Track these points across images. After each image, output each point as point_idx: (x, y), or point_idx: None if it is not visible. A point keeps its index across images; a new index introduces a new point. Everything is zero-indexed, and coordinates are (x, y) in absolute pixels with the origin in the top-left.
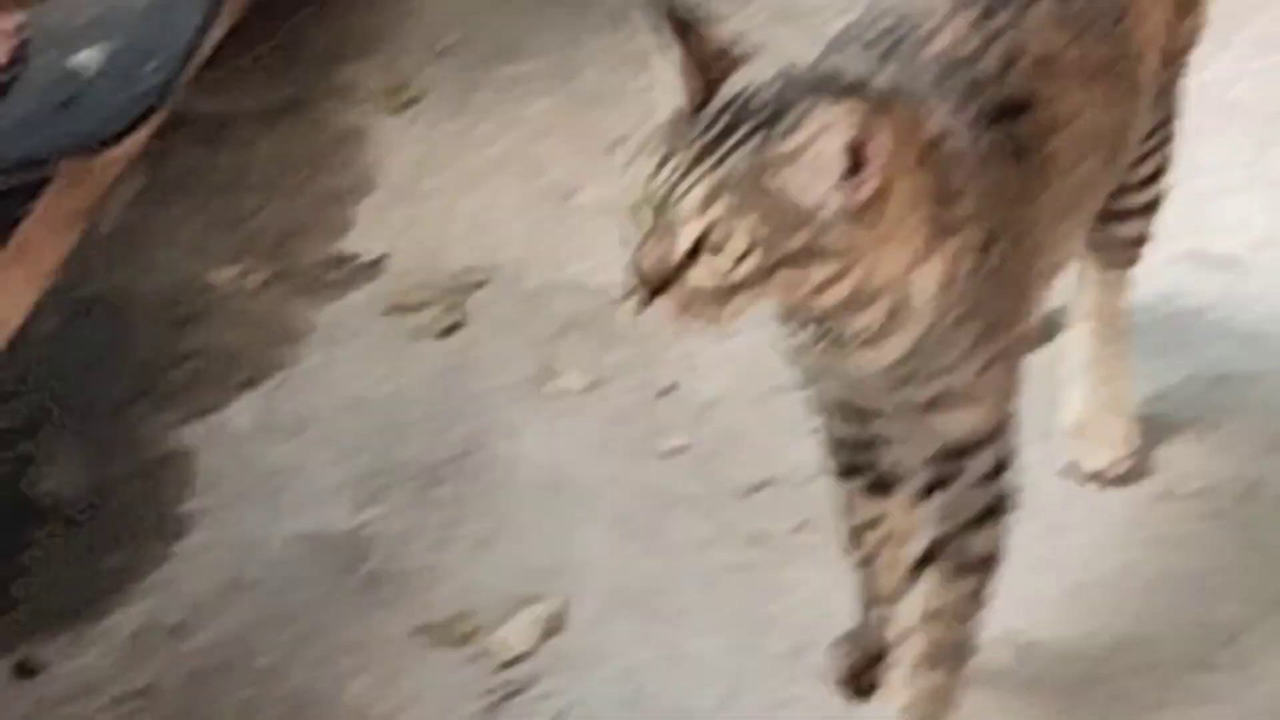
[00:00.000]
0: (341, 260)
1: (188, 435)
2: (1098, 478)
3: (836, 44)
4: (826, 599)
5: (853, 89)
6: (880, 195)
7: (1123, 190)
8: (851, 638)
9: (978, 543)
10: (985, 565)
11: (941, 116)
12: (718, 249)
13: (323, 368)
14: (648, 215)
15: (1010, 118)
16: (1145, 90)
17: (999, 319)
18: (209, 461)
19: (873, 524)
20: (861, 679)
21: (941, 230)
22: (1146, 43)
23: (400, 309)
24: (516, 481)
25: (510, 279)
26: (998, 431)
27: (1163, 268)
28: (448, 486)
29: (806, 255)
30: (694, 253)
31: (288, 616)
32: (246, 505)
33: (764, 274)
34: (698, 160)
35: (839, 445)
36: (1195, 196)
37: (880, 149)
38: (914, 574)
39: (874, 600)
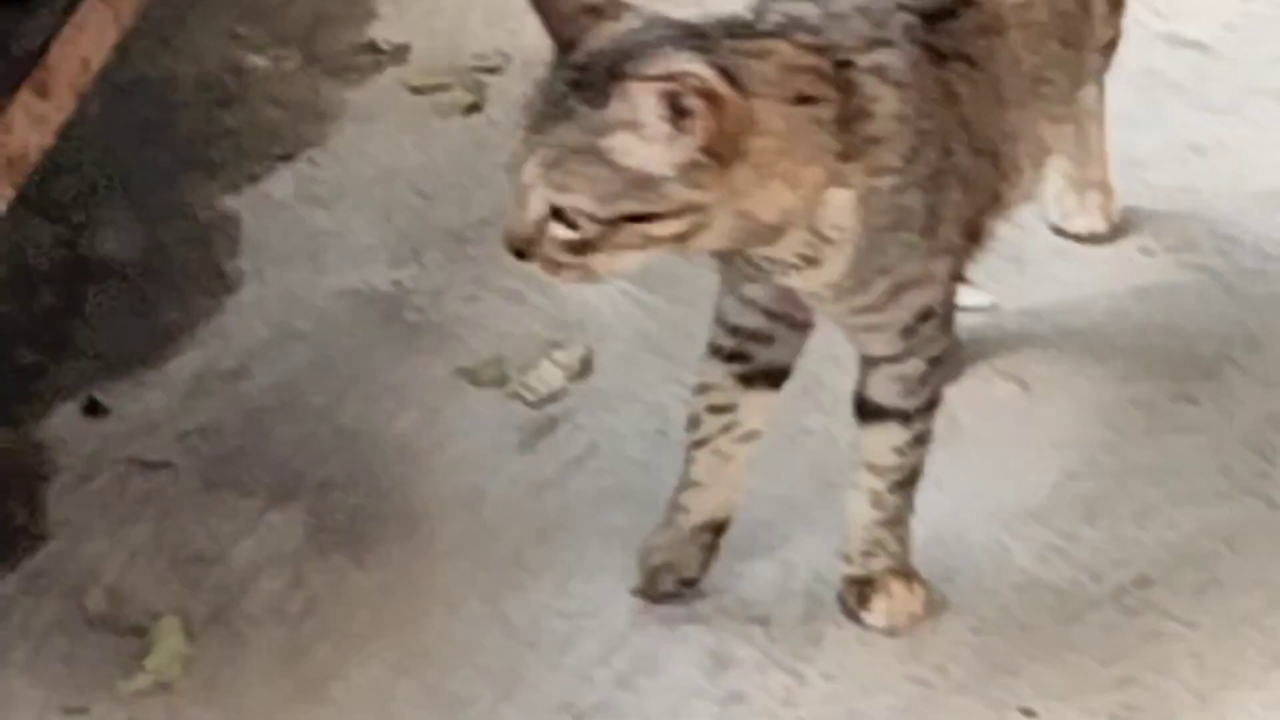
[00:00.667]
0: (368, 47)
1: (233, 202)
2: (1079, 239)
3: None
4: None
5: (680, 43)
6: (729, 145)
7: None
8: (654, 536)
9: (924, 393)
10: (930, 406)
11: (847, 42)
12: (560, 213)
13: (355, 142)
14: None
15: (940, 21)
16: None
17: (942, 214)
18: (254, 225)
19: (723, 409)
20: (660, 584)
21: (844, 154)
22: None
23: (424, 90)
24: None
25: (524, 66)
26: (947, 297)
27: (1139, 49)
28: (477, 246)
29: (649, 214)
30: (554, 214)
31: (335, 362)
32: (291, 264)
33: (610, 234)
34: (540, 124)
35: (733, 330)
36: None
37: (700, 106)
38: (862, 423)
39: (687, 484)
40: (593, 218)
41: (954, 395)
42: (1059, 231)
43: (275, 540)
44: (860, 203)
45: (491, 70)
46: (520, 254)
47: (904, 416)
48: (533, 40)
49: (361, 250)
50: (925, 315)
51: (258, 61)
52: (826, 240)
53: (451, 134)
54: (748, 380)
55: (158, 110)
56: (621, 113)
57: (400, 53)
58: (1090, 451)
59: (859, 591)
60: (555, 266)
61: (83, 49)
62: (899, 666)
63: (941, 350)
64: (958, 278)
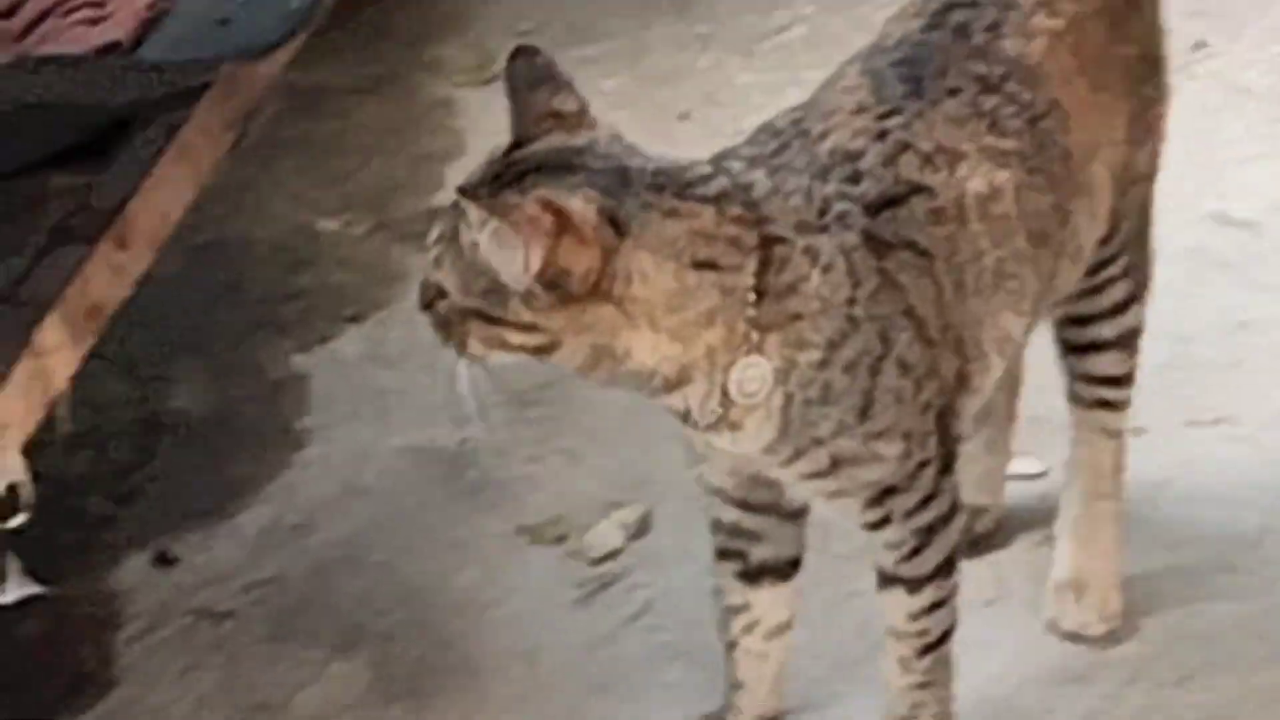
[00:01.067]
0: (435, 213)
1: (303, 361)
2: (1072, 638)
3: (758, 135)
4: None
5: (589, 176)
6: (580, 284)
7: (1087, 320)
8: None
9: (925, 562)
10: (937, 575)
11: (784, 219)
12: (439, 286)
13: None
14: None
15: (884, 210)
16: (1088, 191)
17: (879, 400)
18: (322, 384)
19: (738, 610)
20: None
21: (760, 324)
22: (1083, 147)
23: None
24: (601, 403)
25: None
26: (916, 475)
27: (1189, 226)
28: (540, 408)
29: (491, 316)
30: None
31: (398, 518)
32: (357, 422)
33: (461, 318)
34: (453, 206)
35: (717, 527)
36: (1216, 165)
37: (547, 241)
38: (878, 589)
39: (733, 684)
40: (451, 301)
41: (1003, 558)
42: None
43: (338, 690)
44: (780, 374)
45: None
46: (426, 306)
47: (909, 584)
48: None
49: (426, 410)
50: (887, 490)
51: (329, 225)
52: (737, 404)
53: None
54: (751, 578)
55: (233, 271)
56: (491, 218)
57: None
58: (1134, 616)
59: None
60: (441, 331)
61: (161, 204)
62: None
63: (931, 520)
64: (944, 454)
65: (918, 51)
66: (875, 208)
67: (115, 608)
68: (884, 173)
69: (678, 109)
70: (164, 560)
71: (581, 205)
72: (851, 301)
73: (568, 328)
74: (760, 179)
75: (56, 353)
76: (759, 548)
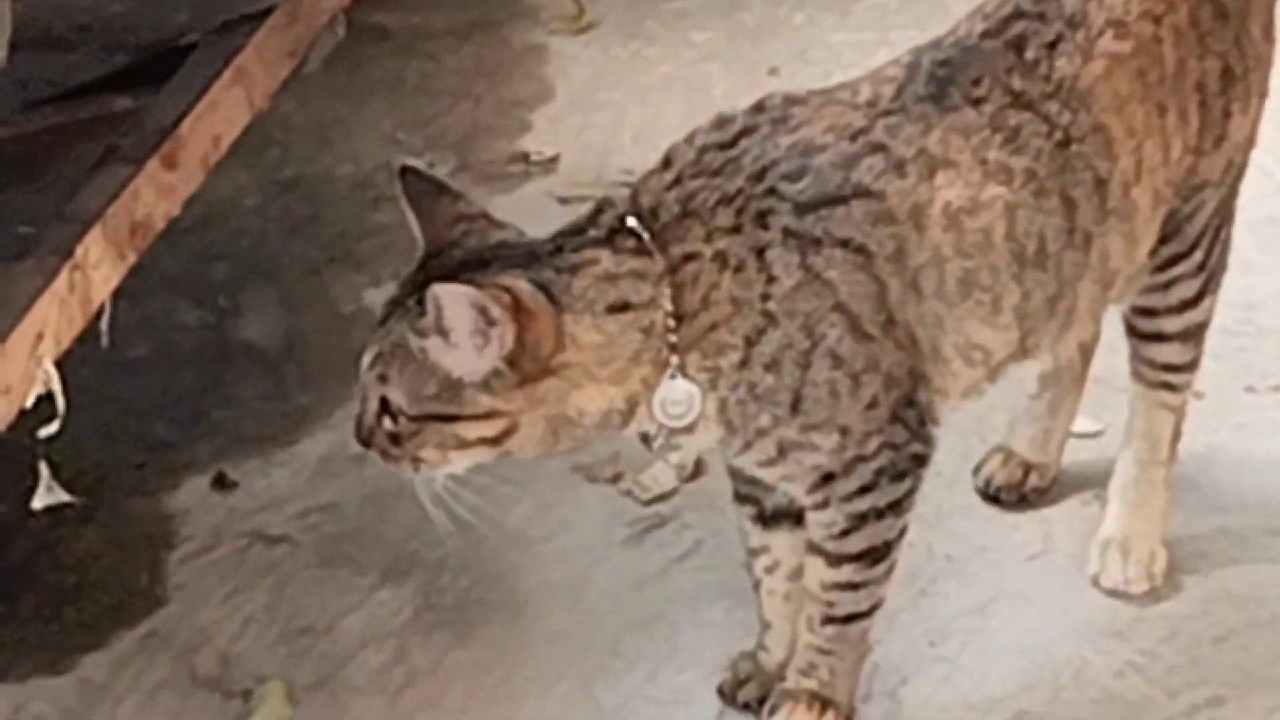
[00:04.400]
0: (519, 157)
1: (374, 297)
2: (1113, 594)
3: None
4: None
5: (509, 259)
6: (533, 360)
7: (1153, 313)
8: (745, 656)
9: (851, 543)
10: (861, 558)
11: (692, 234)
12: (386, 405)
13: None
14: None
15: (817, 209)
16: (1126, 217)
17: (808, 394)
18: None
19: (758, 551)
20: (740, 693)
21: (678, 348)
22: (1126, 173)
23: (570, 200)
24: None
25: None
26: (853, 466)
27: (1263, 198)
28: None
29: (454, 415)
30: (381, 407)
31: None
32: None
33: (414, 430)
34: (383, 320)
35: (733, 473)
36: None
37: (505, 319)
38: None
39: (762, 624)
40: (403, 413)
41: (1052, 514)
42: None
43: (384, 616)
44: (708, 384)
45: None
46: (365, 443)
47: (830, 558)
48: None
49: None
50: (827, 476)
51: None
52: (670, 421)
53: None
54: (766, 522)
55: (312, 206)
56: (433, 317)
57: (550, 164)
58: (1177, 576)
59: (779, 698)
60: (389, 457)
61: (214, 127)
62: None
63: (865, 510)
64: (895, 456)
65: (963, 56)
66: (807, 207)
67: (171, 528)
68: (832, 174)
69: (768, 64)
70: (222, 484)
71: (518, 284)
72: (765, 297)
73: (525, 405)
74: (670, 201)
75: (98, 267)
76: (771, 496)
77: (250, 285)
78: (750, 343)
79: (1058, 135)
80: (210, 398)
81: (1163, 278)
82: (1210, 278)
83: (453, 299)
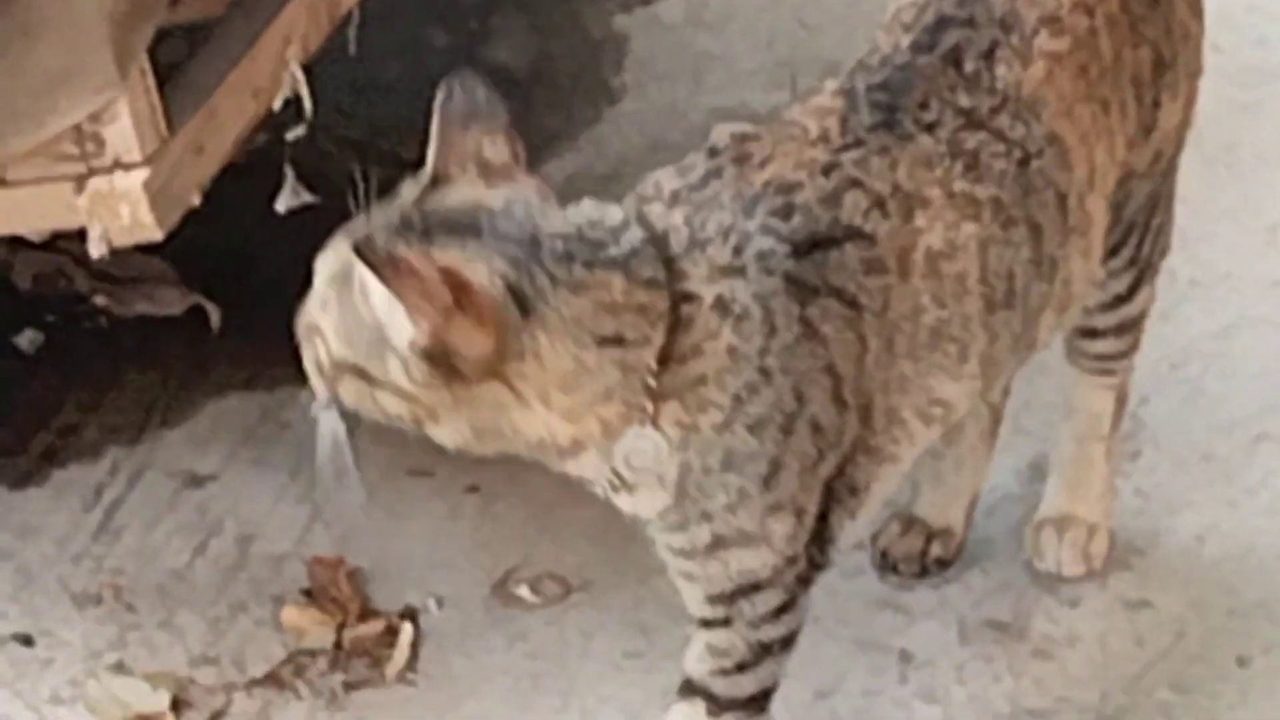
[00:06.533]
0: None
1: (624, 21)
2: (1050, 575)
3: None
4: None
5: (497, 244)
6: (470, 364)
7: (1086, 309)
8: None
9: (744, 683)
10: (748, 706)
11: (696, 272)
12: (319, 329)
13: None
14: None
15: (813, 253)
16: (1083, 230)
17: (786, 465)
18: (641, 45)
19: None
20: None
21: (657, 394)
22: (1082, 182)
23: None
24: None
25: None
26: (788, 569)
27: None
28: None
29: (369, 376)
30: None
31: None
32: (672, 82)
33: (340, 374)
34: (348, 238)
35: None
36: None
37: (438, 317)
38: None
39: None
40: (329, 350)
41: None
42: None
43: None
44: (678, 442)
45: None
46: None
47: (716, 702)
48: None
49: (741, 74)
50: (753, 586)
51: None
52: (635, 471)
53: None
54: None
55: None
56: (389, 274)
57: None
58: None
59: None
60: (310, 369)
61: None
62: (1208, 489)
63: (775, 638)
64: (817, 548)
65: (900, 76)
66: (804, 248)
67: None
68: (821, 211)
69: None
70: None
71: (487, 280)
72: (764, 352)
73: (450, 405)
74: (678, 225)
75: None
76: None
77: (500, 9)
78: (739, 401)
79: (1016, 153)
80: None
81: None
82: (1143, 270)
83: (409, 270)
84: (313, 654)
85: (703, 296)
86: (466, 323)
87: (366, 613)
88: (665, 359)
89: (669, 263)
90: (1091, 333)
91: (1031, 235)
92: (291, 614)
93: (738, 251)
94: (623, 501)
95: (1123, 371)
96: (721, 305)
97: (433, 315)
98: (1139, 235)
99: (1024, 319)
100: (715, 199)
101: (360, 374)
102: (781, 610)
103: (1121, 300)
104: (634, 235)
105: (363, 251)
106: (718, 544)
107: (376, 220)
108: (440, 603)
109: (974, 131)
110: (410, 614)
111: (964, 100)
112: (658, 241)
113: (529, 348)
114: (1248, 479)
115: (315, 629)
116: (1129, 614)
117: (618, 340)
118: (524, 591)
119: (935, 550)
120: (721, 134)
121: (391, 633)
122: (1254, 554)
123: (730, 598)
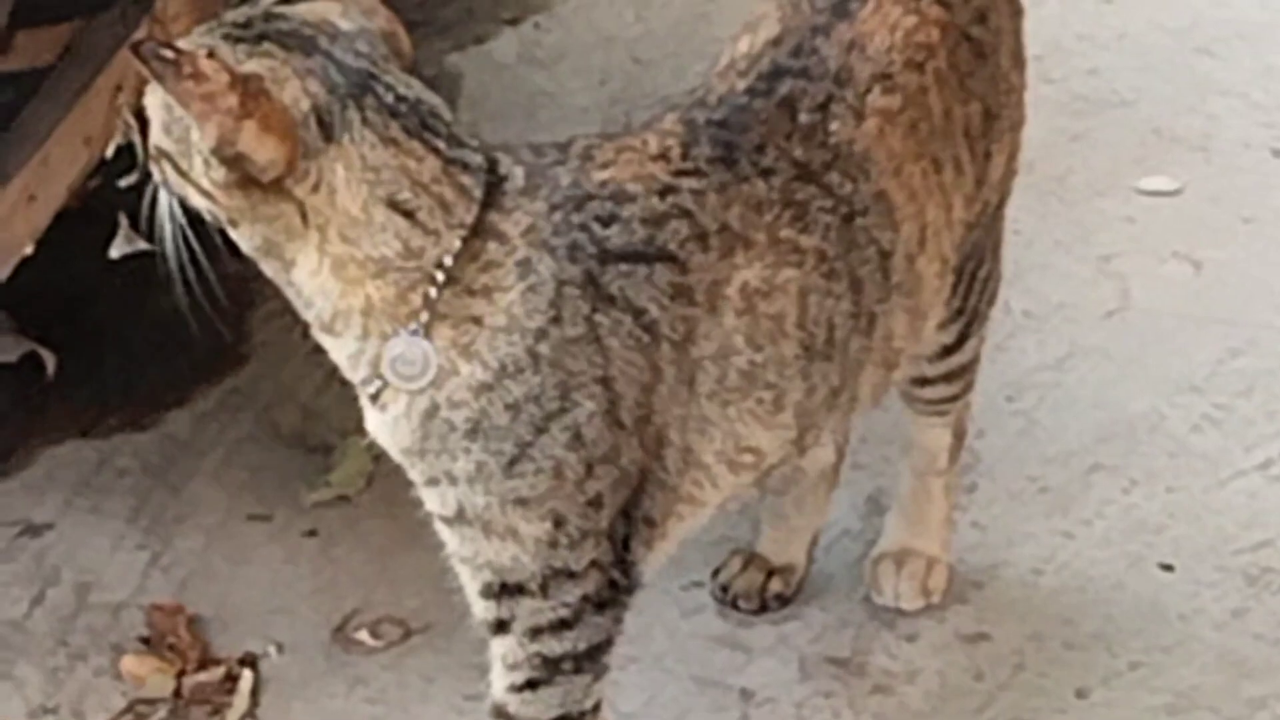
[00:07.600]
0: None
1: (457, 60)
2: (889, 610)
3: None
4: None
5: (321, 59)
6: (257, 168)
7: (915, 358)
8: None
9: (540, 705)
10: None
11: (521, 221)
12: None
13: (579, 9)
14: None
15: (620, 262)
16: (910, 291)
17: (532, 457)
18: (474, 83)
19: None
20: None
21: (434, 308)
22: (910, 241)
23: None
24: None
25: None
26: (554, 585)
27: None
28: None
29: (179, 167)
30: None
31: None
32: (505, 120)
33: (160, 158)
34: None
35: None
36: None
37: (215, 126)
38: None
39: None
40: (153, 132)
41: (1129, 269)
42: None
43: None
44: (445, 368)
45: None
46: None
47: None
48: None
49: (574, 111)
50: (517, 587)
51: None
52: (387, 382)
53: (672, 5)
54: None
55: None
56: (168, 76)
57: None
58: (1254, 330)
59: None
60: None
61: None
62: (1044, 520)
63: (561, 654)
64: (620, 572)
65: (737, 117)
66: (612, 256)
67: (255, 286)
68: (641, 229)
69: None
70: None
71: (290, 95)
72: (541, 335)
73: (245, 210)
74: (518, 176)
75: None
76: None
77: None
78: (503, 371)
79: (843, 209)
80: None
81: None
82: (971, 320)
83: (220, 66)
84: (152, 703)
85: (514, 246)
86: (254, 128)
87: (206, 660)
88: (454, 280)
89: (494, 189)
90: (922, 380)
91: (852, 289)
92: (131, 662)
93: (556, 231)
94: (373, 421)
95: (958, 409)
96: (525, 266)
97: (218, 118)
98: (965, 285)
99: (843, 372)
100: (555, 179)
101: (173, 164)
102: (563, 625)
103: (949, 350)
104: (470, 151)
105: (140, 52)
106: (462, 520)
107: (227, 17)
108: (280, 648)
109: (805, 184)
110: (250, 660)
111: (799, 152)
112: (492, 170)
113: (325, 178)
114: (1083, 510)
115: (155, 677)
116: (967, 647)
117: (409, 213)
118: (364, 635)
119: (775, 586)
120: (576, 137)
121: (232, 680)
122: (1091, 585)
123: (496, 595)
